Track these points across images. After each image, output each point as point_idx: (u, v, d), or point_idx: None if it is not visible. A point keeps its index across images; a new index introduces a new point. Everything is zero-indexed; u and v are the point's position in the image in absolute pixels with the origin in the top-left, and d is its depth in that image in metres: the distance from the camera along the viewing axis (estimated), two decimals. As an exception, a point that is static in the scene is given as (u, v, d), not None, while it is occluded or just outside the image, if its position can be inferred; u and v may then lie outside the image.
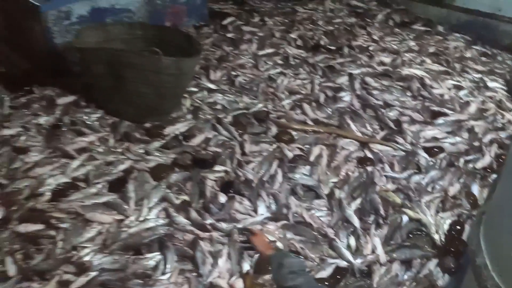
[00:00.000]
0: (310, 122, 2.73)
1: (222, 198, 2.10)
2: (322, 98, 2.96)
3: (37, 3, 2.71)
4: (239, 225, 1.95)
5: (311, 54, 3.53)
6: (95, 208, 1.98)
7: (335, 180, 2.27)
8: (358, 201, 2.15)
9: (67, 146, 2.30)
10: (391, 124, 2.73)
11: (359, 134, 2.64)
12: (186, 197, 2.11)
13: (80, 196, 2.04)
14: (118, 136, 2.45)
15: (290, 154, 2.41)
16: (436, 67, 3.46)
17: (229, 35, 3.74)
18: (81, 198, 2.02)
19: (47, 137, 2.39)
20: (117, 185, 2.12)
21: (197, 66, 2.88)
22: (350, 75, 3.21)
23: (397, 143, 2.57)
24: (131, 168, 2.23)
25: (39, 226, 1.90)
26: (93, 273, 1.72)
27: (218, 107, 2.81)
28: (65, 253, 1.80)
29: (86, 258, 1.78)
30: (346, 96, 2.99)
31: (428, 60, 3.54)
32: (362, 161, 2.41)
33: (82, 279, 1.70)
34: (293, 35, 3.81)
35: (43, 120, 2.52)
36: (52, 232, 1.88)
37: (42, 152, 2.28)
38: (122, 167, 2.23)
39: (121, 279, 1.72)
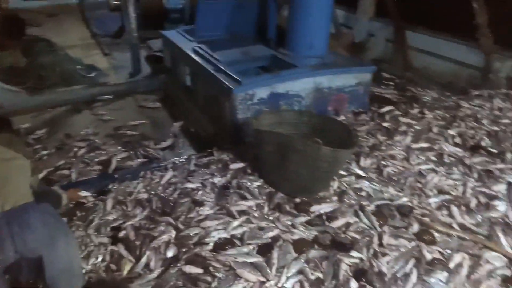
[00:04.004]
0: (456, 227, 2.69)
1: (354, 285, 2.24)
2: (473, 203, 2.88)
3: (231, 86, 3.43)
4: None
5: (469, 155, 3.46)
6: (244, 266, 2.33)
7: (473, 294, 2.20)
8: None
9: (232, 207, 2.78)
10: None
11: (510, 250, 2.49)
12: (320, 275, 2.32)
13: (234, 252, 2.43)
14: (272, 205, 2.84)
15: (428, 256, 2.43)
16: None
17: (385, 124, 3.95)
18: (235, 254, 2.40)
19: (218, 196, 2.93)
20: (264, 250, 2.46)
21: (351, 156, 3.16)
22: (510, 184, 3.06)
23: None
24: (278, 236, 2.56)
25: (199, 270, 2.32)
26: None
27: (363, 194, 3.00)
28: (216, 299, 2.19)
29: (231, 308, 2.14)
30: (500, 206, 2.85)
31: None
32: (508, 281, 2.28)
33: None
34: (452, 132, 3.79)
35: (217, 180, 3.09)
36: (209, 278, 2.27)
37: (212, 208, 2.81)
38: (270, 234, 2.57)
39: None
